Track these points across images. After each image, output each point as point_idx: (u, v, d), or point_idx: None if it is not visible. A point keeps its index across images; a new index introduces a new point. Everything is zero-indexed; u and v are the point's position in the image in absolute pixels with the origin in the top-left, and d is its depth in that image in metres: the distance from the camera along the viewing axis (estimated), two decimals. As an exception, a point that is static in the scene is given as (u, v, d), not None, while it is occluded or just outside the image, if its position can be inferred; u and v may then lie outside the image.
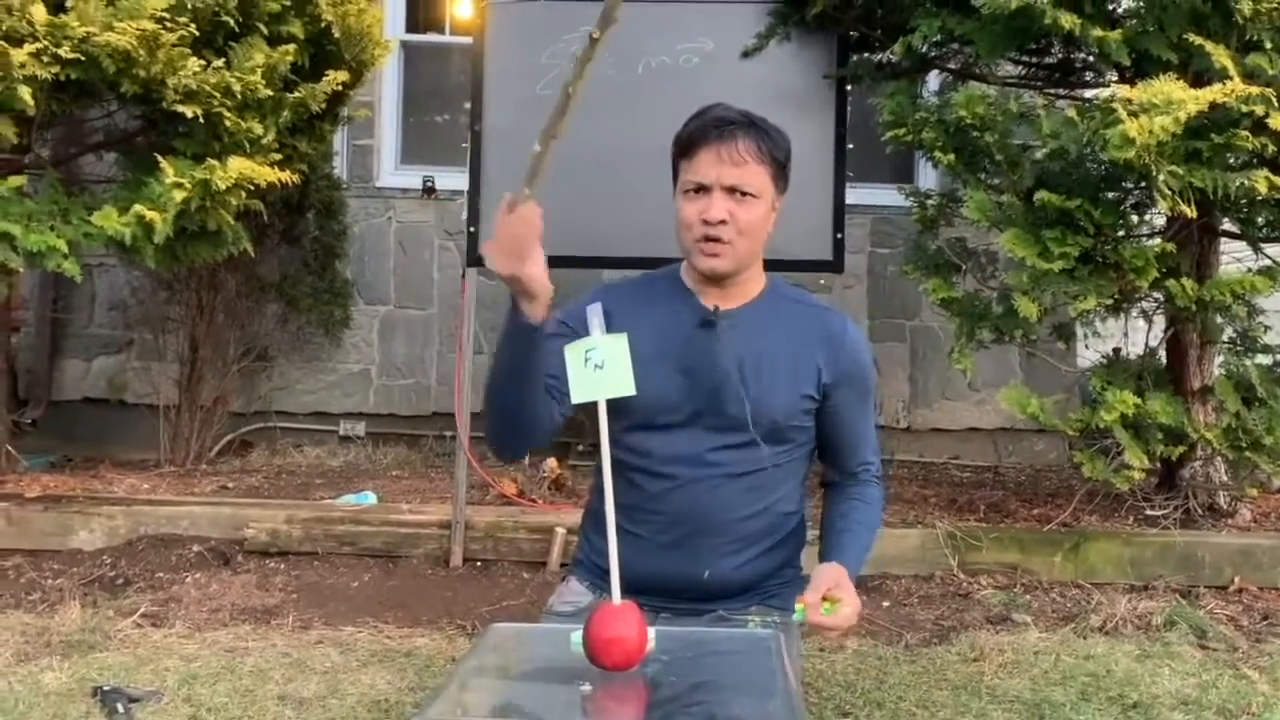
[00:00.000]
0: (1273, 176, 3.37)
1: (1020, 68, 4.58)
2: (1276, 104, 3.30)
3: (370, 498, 4.48)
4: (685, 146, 1.85)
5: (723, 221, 1.81)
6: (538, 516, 4.17)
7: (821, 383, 1.89)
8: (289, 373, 5.77)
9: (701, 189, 1.82)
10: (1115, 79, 3.90)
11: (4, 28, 3.53)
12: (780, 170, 1.86)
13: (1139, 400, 3.74)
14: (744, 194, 1.82)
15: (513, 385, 1.72)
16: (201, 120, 3.90)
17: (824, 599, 1.67)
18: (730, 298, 1.89)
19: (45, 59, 3.57)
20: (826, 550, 1.93)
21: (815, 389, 1.89)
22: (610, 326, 1.66)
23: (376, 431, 5.79)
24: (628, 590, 1.47)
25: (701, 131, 1.82)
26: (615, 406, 1.70)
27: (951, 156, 3.93)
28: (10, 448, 4.69)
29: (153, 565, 3.81)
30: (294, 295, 5.54)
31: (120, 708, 2.56)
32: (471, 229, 4.01)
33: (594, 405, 1.53)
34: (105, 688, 2.68)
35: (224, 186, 3.86)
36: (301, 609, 3.47)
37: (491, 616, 3.43)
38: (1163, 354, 4.25)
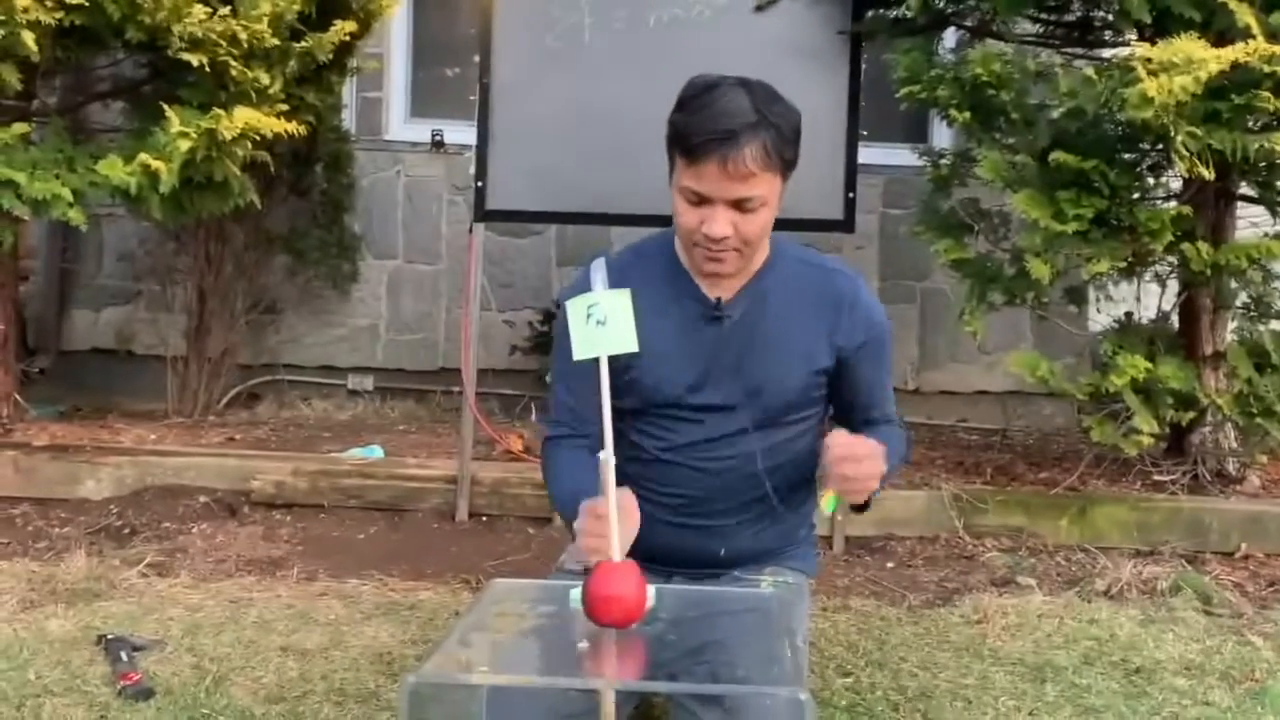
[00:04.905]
0: (1292, 139, 3.32)
1: (1038, 26, 4.48)
2: (1299, 64, 3.24)
3: (377, 451, 4.48)
4: (685, 149, 1.70)
5: (726, 237, 1.72)
6: (543, 473, 4.16)
7: (835, 353, 1.85)
8: (297, 326, 5.75)
9: (703, 199, 1.71)
10: (1135, 38, 3.82)
11: (6, -29, 3.49)
12: (789, 164, 1.75)
13: (1150, 365, 3.71)
14: (749, 206, 1.71)
15: None
16: (207, 69, 3.86)
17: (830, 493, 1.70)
18: (732, 279, 1.83)
19: (49, 4, 3.53)
20: None
21: (829, 359, 1.85)
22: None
23: (384, 386, 5.79)
24: (640, 559, 1.44)
25: (704, 144, 1.66)
26: (632, 396, 1.66)
27: (967, 115, 3.87)
28: (18, 396, 4.69)
29: (159, 515, 3.82)
30: (302, 249, 5.51)
31: (124, 656, 2.56)
32: (479, 183, 3.96)
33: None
34: (109, 636, 2.68)
35: (230, 137, 3.82)
36: (307, 561, 3.48)
37: (496, 571, 3.44)
38: (1175, 319, 4.21)
